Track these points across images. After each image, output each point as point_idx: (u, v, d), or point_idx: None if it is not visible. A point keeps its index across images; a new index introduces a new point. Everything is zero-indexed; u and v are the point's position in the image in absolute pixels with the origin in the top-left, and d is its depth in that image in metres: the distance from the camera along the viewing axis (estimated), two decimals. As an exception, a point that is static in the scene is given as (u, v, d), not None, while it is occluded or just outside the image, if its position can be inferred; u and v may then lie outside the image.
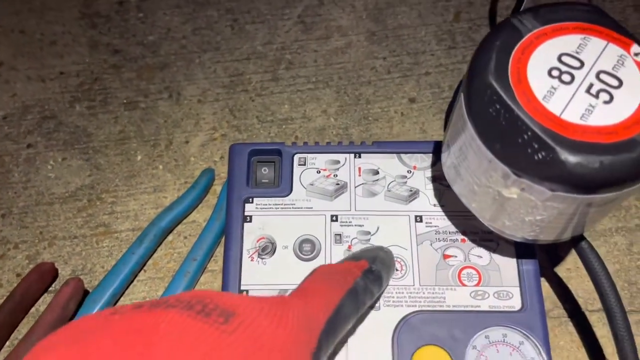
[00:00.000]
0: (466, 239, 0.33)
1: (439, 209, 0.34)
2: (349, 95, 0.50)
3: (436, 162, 0.35)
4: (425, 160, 0.36)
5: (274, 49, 0.52)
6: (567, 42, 0.25)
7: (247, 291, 0.32)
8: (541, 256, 0.41)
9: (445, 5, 0.55)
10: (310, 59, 0.52)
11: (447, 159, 0.31)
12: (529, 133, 0.24)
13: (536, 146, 0.23)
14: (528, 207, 0.26)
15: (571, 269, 0.40)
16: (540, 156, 0.23)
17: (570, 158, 0.23)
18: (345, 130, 0.47)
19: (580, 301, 0.39)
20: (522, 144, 0.24)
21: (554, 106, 0.24)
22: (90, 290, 0.39)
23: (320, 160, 0.36)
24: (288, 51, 0.52)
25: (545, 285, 0.40)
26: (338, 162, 0.36)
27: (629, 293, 0.40)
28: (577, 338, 0.38)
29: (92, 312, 0.37)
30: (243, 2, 0.55)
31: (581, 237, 0.31)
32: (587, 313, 0.39)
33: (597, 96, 0.24)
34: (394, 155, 0.36)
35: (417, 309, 0.31)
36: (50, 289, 0.40)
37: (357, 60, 0.52)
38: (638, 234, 0.42)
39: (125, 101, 0.49)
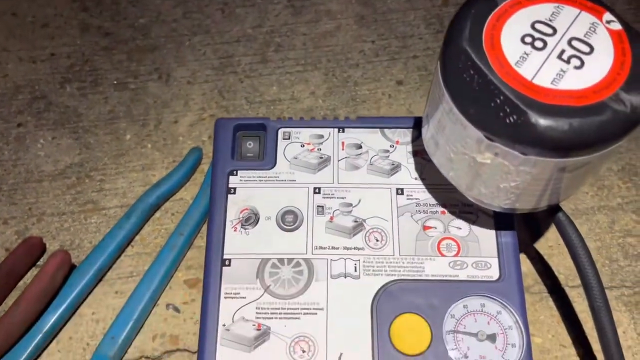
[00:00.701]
0: (446, 211, 0.34)
1: (420, 182, 0.35)
2: (337, 77, 0.50)
3: (418, 137, 0.35)
4: (407, 135, 0.36)
5: (264, 32, 0.53)
6: (541, 10, 0.26)
7: (229, 260, 0.33)
8: (523, 233, 0.41)
9: (434, -10, 0.55)
10: (299, 42, 0.52)
11: (427, 131, 0.31)
12: (501, 97, 0.24)
13: (508, 110, 0.24)
14: (502, 173, 0.26)
15: (553, 246, 0.41)
16: (512, 119, 0.24)
17: (541, 121, 0.24)
18: (333, 111, 0.48)
19: (561, 277, 0.40)
20: (495, 108, 0.24)
21: (526, 71, 0.25)
22: (78, 265, 0.39)
23: (304, 134, 0.36)
24: (277, 34, 0.53)
25: (526, 261, 0.40)
26: (322, 136, 0.36)
27: (609, 270, 0.40)
28: (557, 313, 0.38)
29: (78, 285, 0.38)
30: (234, -13, 0.56)
31: (558, 209, 0.32)
32: (567, 289, 0.39)
33: (568, 62, 0.25)
34: (377, 130, 0.36)
35: (396, 277, 0.32)
36: (38, 263, 0.41)
37: (346, 43, 0.52)
38: (619, 212, 0.42)
39: (115, 82, 0.50)
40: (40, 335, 0.36)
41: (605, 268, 0.40)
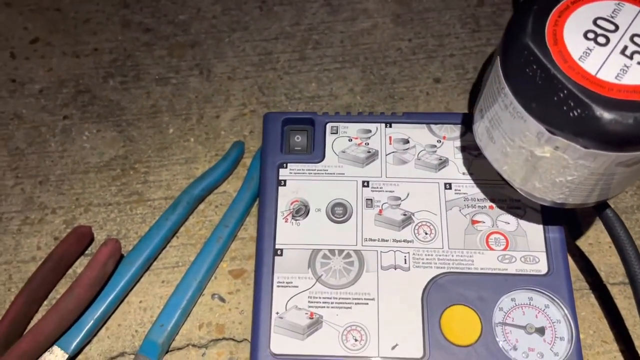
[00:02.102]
0: (494, 205, 0.34)
1: (468, 177, 0.35)
2: (374, 74, 0.51)
3: (465, 133, 0.36)
4: (454, 131, 0.37)
5: (302, 30, 0.53)
6: (602, 7, 0.26)
7: (281, 250, 0.33)
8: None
9: (470, -10, 0.56)
10: (336, 39, 0.53)
11: (479, 126, 0.32)
12: (565, 91, 0.25)
13: (572, 104, 0.24)
14: (560, 167, 0.27)
15: (593, 244, 0.41)
16: (575, 113, 0.24)
17: (605, 114, 0.24)
18: (372, 108, 0.48)
19: (602, 274, 0.40)
20: (558, 102, 0.25)
21: (589, 66, 0.25)
22: (125, 255, 0.40)
23: (351, 129, 0.37)
24: (315, 32, 0.53)
25: (568, 259, 0.41)
26: (369, 131, 0.37)
27: (650, 268, 0.40)
28: (598, 309, 0.39)
29: (127, 274, 0.39)
30: (271, -15, 0.56)
31: (606, 205, 0.32)
32: (608, 286, 0.40)
33: (631, 57, 0.25)
34: (424, 125, 0.37)
35: (445, 270, 0.32)
36: (87, 252, 0.42)
37: (383, 41, 0.53)
38: (660, 211, 0.43)
39: (157, 77, 0.51)
40: (92, 322, 0.37)
41: (646, 266, 0.40)
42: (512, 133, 0.28)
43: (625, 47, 0.25)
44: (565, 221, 0.42)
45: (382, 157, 0.36)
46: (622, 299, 0.39)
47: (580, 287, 0.40)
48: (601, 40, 0.26)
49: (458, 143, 0.36)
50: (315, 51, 0.52)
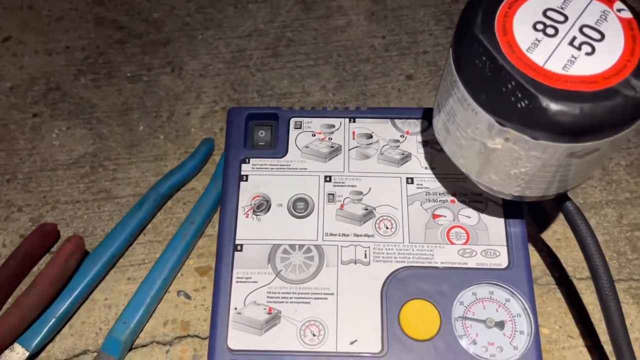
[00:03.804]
0: (456, 199, 0.34)
1: (430, 171, 0.35)
2: (347, 71, 0.51)
3: (428, 128, 0.36)
4: (417, 126, 0.37)
5: (275, 27, 0.53)
6: (552, -2, 0.26)
7: (241, 245, 0.33)
8: (531, 226, 0.42)
9: (444, -12, 0.56)
10: (310, 36, 0.53)
11: (437, 120, 0.32)
12: (513, 82, 0.25)
13: (519, 95, 0.24)
14: (512, 159, 0.27)
15: (560, 239, 0.41)
16: (523, 104, 0.24)
17: (552, 105, 0.24)
18: (343, 105, 0.48)
19: (569, 269, 0.40)
20: (506, 93, 0.25)
21: (537, 57, 0.25)
22: (90, 252, 0.40)
23: (315, 124, 0.37)
24: (289, 29, 0.53)
25: (534, 253, 0.41)
26: (333, 126, 0.37)
27: (617, 263, 0.40)
28: (564, 304, 0.39)
29: (91, 271, 0.38)
30: (246, -17, 0.56)
31: (566, 198, 0.32)
32: (575, 281, 0.40)
33: (579, 48, 0.25)
34: (388, 120, 0.37)
35: (406, 264, 0.32)
36: (52, 249, 0.41)
37: (357, 38, 0.53)
38: (628, 206, 0.43)
39: (129, 74, 0.50)
40: (54, 320, 0.37)
41: (613, 261, 0.40)
42: (466, 125, 0.28)
43: (574, 38, 0.25)
44: (533, 216, 0.42)
45: (345, 152, 0.36)
46: (589, 294, 0.39)
47: (547, 282, 0.40)
48: (550, 31, 0.26)
49: (421, 138, 0.36)
50: (288, 48, 0.52)
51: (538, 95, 0.24)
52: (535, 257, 0.41)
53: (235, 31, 0.53)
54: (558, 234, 0.41)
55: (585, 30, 0.26)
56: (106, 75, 0.50)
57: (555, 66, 0.25)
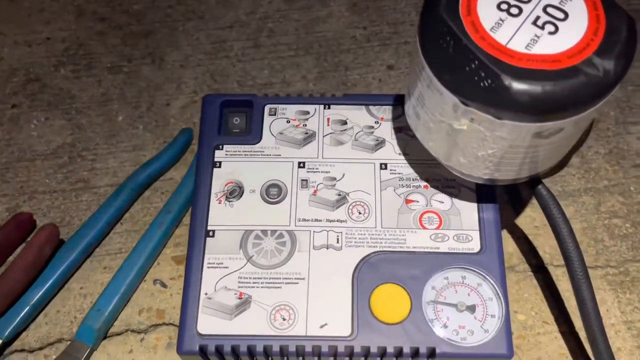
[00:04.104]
0: (429, 185, 0.34)
1: (404, 157, 0.35)
2: (328, 62, 0.51)
3: (402, 114, 0.36)
4: (392, 112, 0.37)
5: (257, 18, 0.53)
6: (517, -21, 0.26)
7: (213, 231, 0.33)
8: (509, 213, 0.42)
9: (426, -21, 0.56)
10: (291, 27, 0.53)
11: (409, 105, 0.32)
12: (476, 62, 0.24)
13: (482, 74, 0.24)
14: (479, 140, 0.27)
15: (539, 227, 0.41)
16: (486, 83, 0.24)
17: (514, 84, 0.24)
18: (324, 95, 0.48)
19: (546, 257, 0.40)
20: (470, 72, 0.25)
21: (500, 36, 0.25)
22: (67, 241, 0.40)
23: (290, 110, 0.37)
24: (270, 20, 0.53)
25: (512, 241, 0.41)
26: (308, 112, 0.37)
27: (594, 250, 0.40)
28: (540, 291, 0.39)
29: (66, 260, 0.38)
30: (228, -26, 0.56)
31: (539, 182, 0.32)
32: (551, 268, 0.39)
33: (542, 27, 0.25)
34: (362, 107, 0.37)
35: (377, 249, 0.32)
36: (28, 239, 0.41)
37: (338, 29, 0.53)
38: (606, 194, 0.43)
39: (109, 65, 0.50)
40: (28, 308, 0.37)
41: (590, 248, 0.40)
42: (433, 108, 0.28)
43: (538, 18, 0.25)
44: (511, 203, 0.42)
45: (320, 139, 0.36)
46: (565, 281, 0.39)
47: (524, 270, 0.40)
48: (514, 11, 0.26)
49: (396, 124, 0.36)
50: (269, 39, 0.52)
51: (500, 74, 0.24)
52: (512, 245, 0.41)
53: (217, 22, 0.53)
54: (536, 222, 0.41)
55: (549, 9, 0.26)
56: (86, 66, 0.50)
57: (518, 45, 0.25)
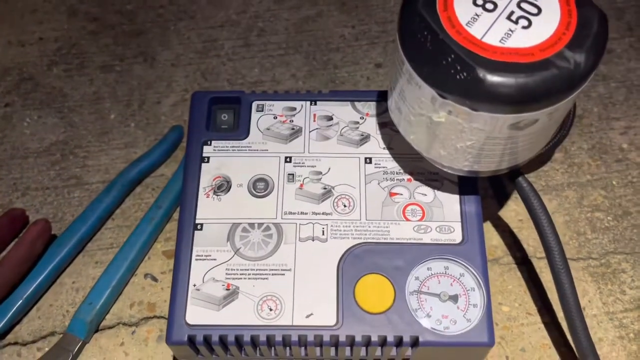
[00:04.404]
0: (412, 178, 0.35)
1: (388, 151, 0.36)
2: (317, 60, 0.51)
3: (387, 110, 0.36)
4: (377, 108, 0.37)
5: (247, 17, 0.54)
6: (493, -25, 0.27)
7: (201, 224, 0.34)
8: (494, 207, 0.42)
9: (414, -22, 0.57)
10: (281, 26, 0.53)
11: (391, 100, 0.33)
12: (452, 55, 0.25)
13: (458, 67, 0.25)
14: (457, 132, 0.28)
15: (523, 220, 0.42)
16: (462, 76, 0.25)
17: (489, 76, 0.25)
18: (312, 93, 0.49)
19: (530, 249, 0.41)
20: (446, 66, 0.25)
21: (476, 31, 0.26)
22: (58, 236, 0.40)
23: (277, 107, 0.37)
24: (260, 19, 0.54)
25: (496, 234, 0.41)
26: (294, 109, 0.37)
27: (577, 242, 0.41)
28: (524, 283, 0.39)
29: (59, 254, 0.39)
30: (220, -25, 0.57)
31: (519, 173, 0.33)
32: (535, 260, 0.40)
33: (516, 22, 0.26)
34: (348, 103, 0.38)
35: (362, 241, 0.33)
36: (21, 234, 0.42)
37: (327, 28, 0.53)
38: (589, 188, 0.43)
39: (101, 65, 0.51)
40: (21, 301, 0.37)
41: (573, 241, 0.41)
42: (412, 101, 0.28)
43: (512, 13, 0.26)
44: (496, 197, 0.43)
45: (306, 134, 0.36)
46: (548, 273, 0.40)
47: (508, 262, 0.40)
48: (489, 6, 0.26)
49: (380, 119, 0.37)
50: (259, 38, 0.53)
51: (475, 67, 0.25)
52: (496, 238, 0.41)
53: (208, 22, 0.54)
54: (520, 215, 0.42)
55: (523, 5, 0.26)
56: (79, 65, 0.51)
57: (492, 39, 0.26)
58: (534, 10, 0.26)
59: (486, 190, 0.43)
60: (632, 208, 0.43)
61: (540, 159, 0.44)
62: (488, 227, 0.42)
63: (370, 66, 0.51)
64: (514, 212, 0.42)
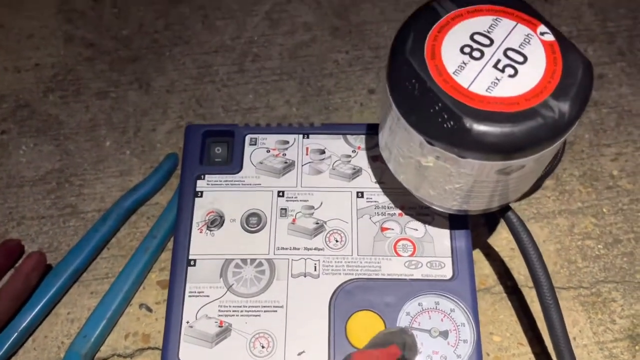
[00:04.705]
0: (403, 213, 0.35)
1: (380, 185, 0.36)
2: (311, 86, 0.52)
3: (378, 143, 0.37)
4: (369, 141, 0.38)
5: (242, 43, 0.55)
6: (480, 22, 0.28)
7: (194, 260, 0.34)
8: (485, 236, 0.43)
9: (408, 2, 0.57)
10: (275, 52, 0.54)
11: (382, 138, 0.33)
12: (440, 104, 0.26)
13: (445, 116, 0.26)
14: (445, 175, 0.28)
15: (514, 249, 0.42)
16: (449, 125, 0.26)
17: (475, 126, 0.25)
18: (307, 119, 0.49)
19: (521, 278, 0.41)
20: (434, 114, 0.26)
21: (463, 79, 0.26)
22: (53, 266, 0.41)
23: (270, 140, 0.38)
24: (255, 45, 0.54)
25: (487, 263, 0.42)
26: (287, 142, 0.38)
27: (567, 271, 0.42)
28: (515, 313, 0.40)
29: (54, 285, 0.39)
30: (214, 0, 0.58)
31: (508, 209, 0.33)
32: (526, 289, 0.41)
33: (503, 70, 0.26)
34: (340, 136, 0.38)
35: (353, 277, 0.33)
36: (16, 265, 0.42)
37: (321, 53, 0.54)
38: (580, 216, 0.44)
39: (96, 91, 0.51)
40: (17, 334, 0.37)
41: (563, 269, 0.42)
42: (401, 143, 0.29)
43: (498, 61, 0.27)
44: (488, 226, 0.43)
45: (299, 168, 0.37)
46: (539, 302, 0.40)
47: (500, 291, 0.41)
48: (476, 54, 0.27)
49: (372, 153, 0.37)
50: (254, 64, 0.53)
51: (462, 116, 0.25)
52: (488, 267, 0.42)
53: (203, 47, 0.54)
54: (512, 244, 0.43)
55: (510, 53, 0.27)
56: (74, 92, 0.51)
57: (479, 88, 0.26)
58: (520, 59, 0.27)
59: (478, 219, 0.43)
60: (622, 236, 0.43)
61: (532, 187, 0.45)
62: (479, 255, 0.42)
63: (363, 92, 0.51)
64: (505, 240, 0.43)
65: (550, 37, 0.27)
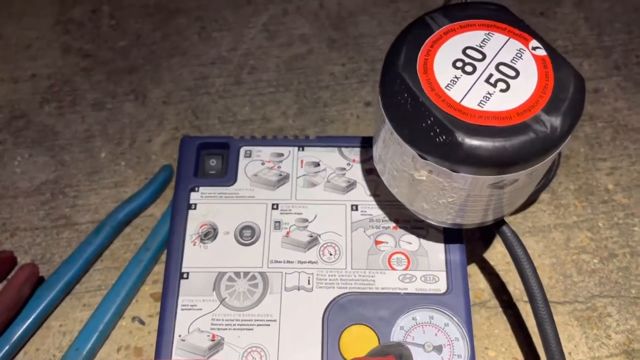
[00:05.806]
0: (398, 226, 0.35)
1: (374, 198, 0.36)
2: (307, 98, 0.52)
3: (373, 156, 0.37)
4: (364, 154, 0.38)
5: (239, 55, 0.55)
6: (473, 36, 0.28)
7: (187, 273, 0.34)
8: (481, 249, 0.43)
9: (404, 15, 0.57)
10: (272, 64, 0.54)
11: (375, 152, 0.33)
12: (432, 118, 0.26)
13: (438, 130, 0.26)
14: (438, 189, 0.28)
15: (510, 262, 0.42)
16: (441, 139, 0.26)
17: (467, 140, 0.25)
18: (302, 131, 0.49)
19: (516, 292, 0.41)
20: (426, 128, 0.26)
21: (455, 94, 0.26)
22: (45, 278, 0.40)
23: (265, 153, 0.38)
24: (252, 57, 0.55)
25: (483, 277, 0.42)
26: (282, 154, 0.38)
27: (563, 285, 0.41)
28: (510, 327, 0.40)
29: (46, 298, 0.39)
30: (212, 11, 0.58)
31: (502, 223, 0.33)
32: (521, 303, 0.40)
33: (495, 85, 0.27)
34: (335, 149, 0.38)
35: (347, 290, 0.33)
36: (9, 277, 0.42)
37: (317, 65, 0.54)
38: (575, 230, 0.44)
39: (92, 102, 0.51)
40: (8, 346, 0.37)
41: (559, 284, 0.41)
42: (394, 157, 0.29)
43: (490, 75, 0.27)
44: (483, 240, 0.43)
45: (293, 180, 0.37)
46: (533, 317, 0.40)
47: (495, 305, 0.41)
48: (468, 68, 0.27)
49: (367, 166, 0.37)
50: (250, 75, 0.53)
51: (454, 130, 0.25)
52: (483, 281, 0.42)
53: (199, 59, 0.54)
54: (507, 258, 0.42)
55: (502, 67, 0.27)
56: (70, 102, 0.51)
57: (471, 102, 0.26)
58: (512, 74, 0.27)
59: (472, 232, 0.43)
60: (617, 250, 0.43)
61: (527, 201, 0.45)
62: (475, 269, 0.42)
63: (360, 104, 0.51)
64: (500, 254, 0.43)
65: (542, 52, 0.27)
